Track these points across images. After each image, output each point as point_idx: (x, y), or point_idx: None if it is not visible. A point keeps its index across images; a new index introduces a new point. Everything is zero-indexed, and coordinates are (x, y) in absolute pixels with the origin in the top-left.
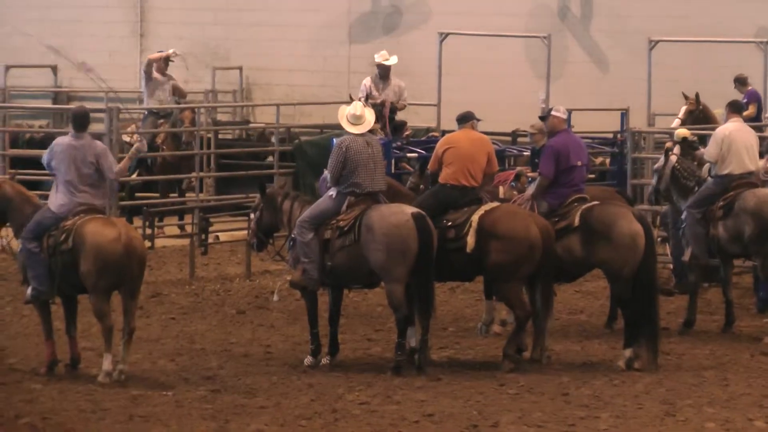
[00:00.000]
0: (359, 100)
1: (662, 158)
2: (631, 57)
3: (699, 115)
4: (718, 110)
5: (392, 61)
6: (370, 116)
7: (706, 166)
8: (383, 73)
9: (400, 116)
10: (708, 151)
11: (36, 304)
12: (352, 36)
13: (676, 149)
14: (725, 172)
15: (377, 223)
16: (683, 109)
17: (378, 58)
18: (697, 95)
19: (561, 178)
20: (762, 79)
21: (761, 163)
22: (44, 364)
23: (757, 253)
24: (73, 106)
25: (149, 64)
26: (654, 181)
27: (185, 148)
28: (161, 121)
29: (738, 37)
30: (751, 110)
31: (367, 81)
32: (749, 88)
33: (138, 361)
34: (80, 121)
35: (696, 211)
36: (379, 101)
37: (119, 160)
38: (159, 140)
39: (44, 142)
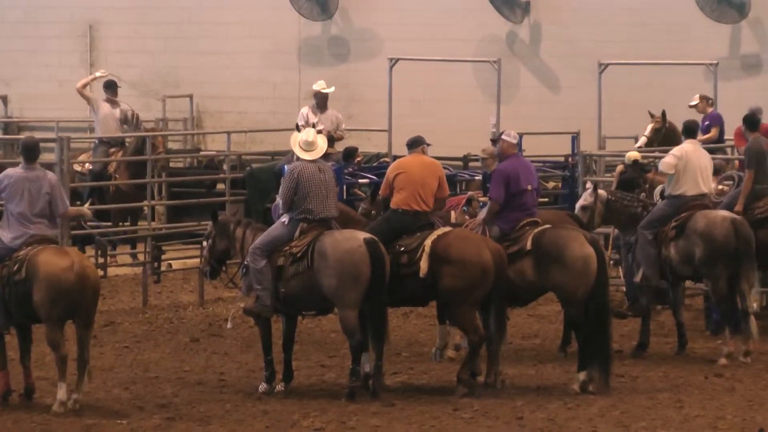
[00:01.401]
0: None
1: (586, 195)
2: (581, 80)
3: (666, 133)
4: None
5: (329, 90)
6: (322, 143)
7: (658, 188)
8: (320, 102)
9: (351, 142)
10: (665, 161)
11: None
12: (301, 62)
13: (589, 184)
14: (678, 192)
15: (330, 249)
16: (649, 126)
17: (315, 86)
18: (663, 113)
19: (512, 202)
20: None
21: (713, 185)
22: None
23: (707, 275)
24: (23, 136)
25: (79, 92)
26: (585, 218)
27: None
28: (113, 149)
29: (688, 60)
30: (713, 133)
31: (305, 110)
32: (711, 110)
33: (92, 390)
34: (30, 152)
35: (648, 232)
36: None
37: (71, 191)
38: (111, 169)
39: None
